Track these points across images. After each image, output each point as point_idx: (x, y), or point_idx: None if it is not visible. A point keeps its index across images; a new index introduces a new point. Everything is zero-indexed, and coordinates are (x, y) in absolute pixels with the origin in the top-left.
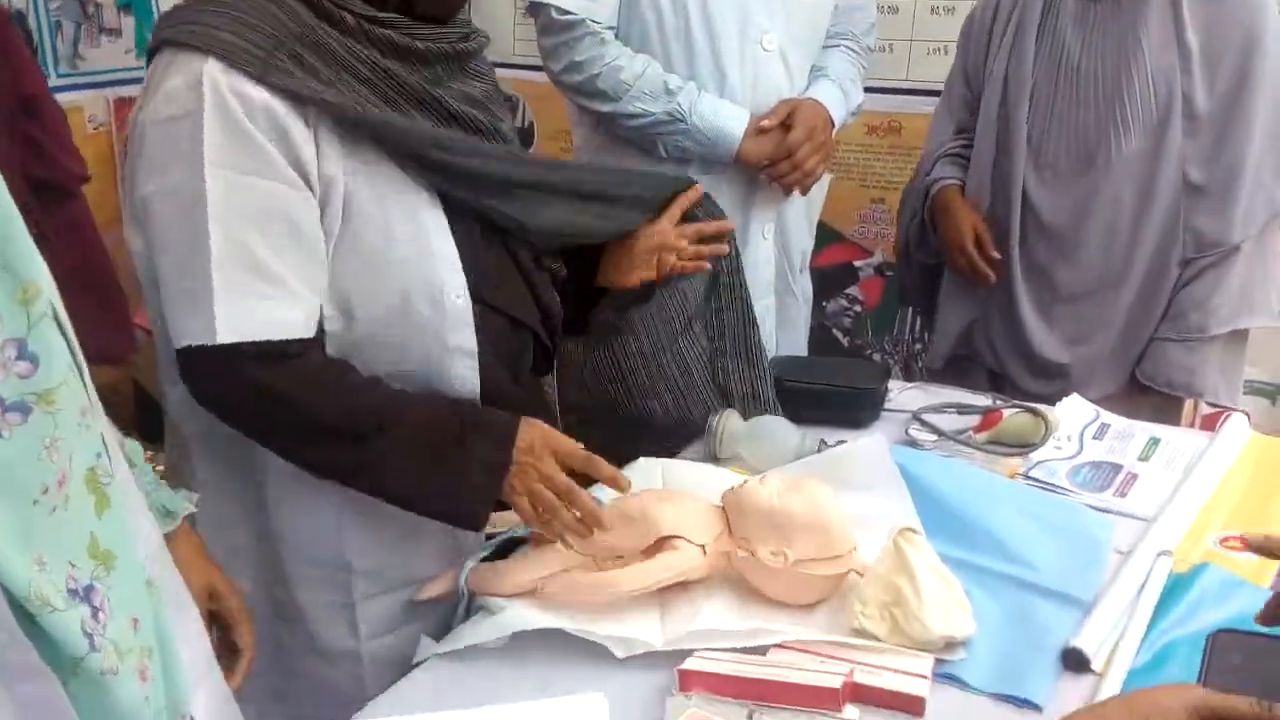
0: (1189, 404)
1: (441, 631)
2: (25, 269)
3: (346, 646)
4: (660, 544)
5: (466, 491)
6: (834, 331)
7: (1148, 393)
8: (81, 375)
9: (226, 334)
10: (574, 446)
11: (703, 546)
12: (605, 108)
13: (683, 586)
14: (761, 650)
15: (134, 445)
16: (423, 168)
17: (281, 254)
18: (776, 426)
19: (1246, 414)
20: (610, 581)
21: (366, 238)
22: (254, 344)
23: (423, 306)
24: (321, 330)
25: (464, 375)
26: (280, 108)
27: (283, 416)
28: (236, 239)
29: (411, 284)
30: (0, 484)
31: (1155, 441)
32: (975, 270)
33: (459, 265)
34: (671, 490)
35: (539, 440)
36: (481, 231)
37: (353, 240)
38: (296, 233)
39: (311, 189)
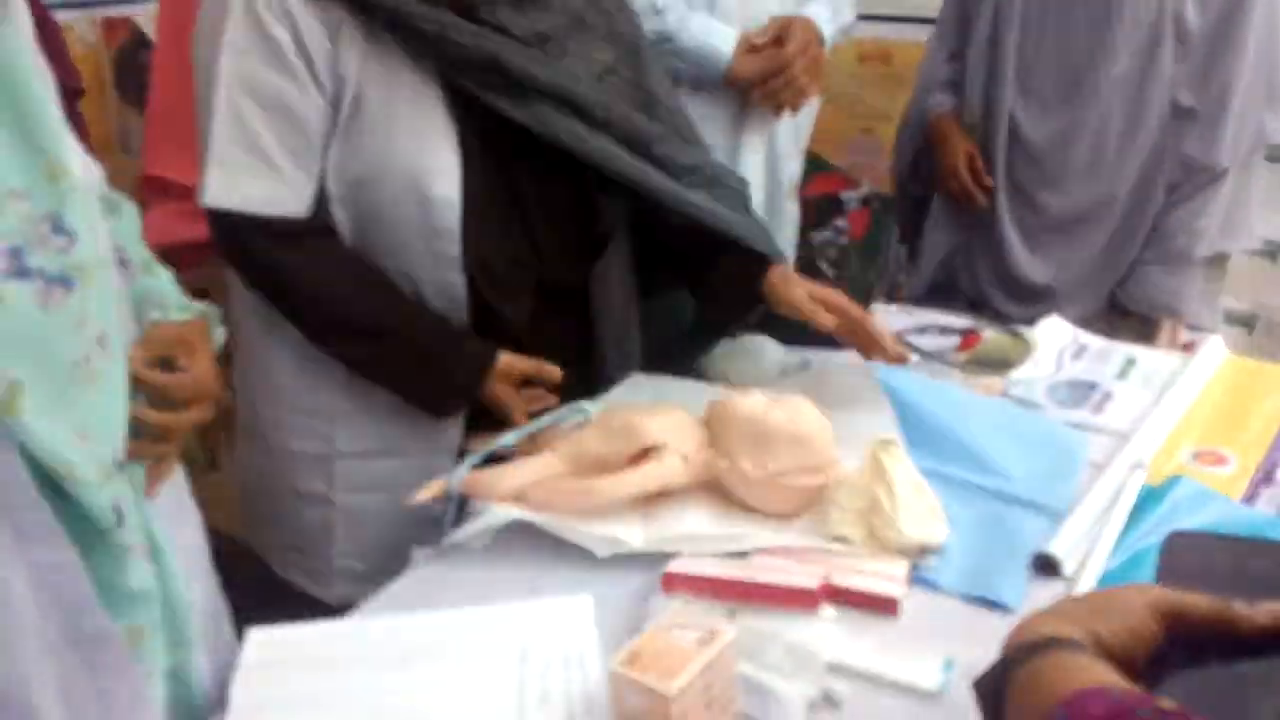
0: (1167, 330)
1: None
2: (54, 149)
3: (319, 490)
4: (644, 454)
5: (438, 402)
6: (820, 264)
7: (1127, 316)
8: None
9: (211, 198)
10: (527, 365)
11: (684, 456)
12: None
13: (665, 495)
14: (743, 554)
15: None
16: (435, 56)
17: (277, 137)
18: (761, 344)
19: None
20: (593, 488)
21: (370, 138)
22: (239, 214)
23: (413, 212)
24: (320, 218)
25: (453, 283)
26: (300, 5)
27: (272, 286)
28: (236, 115)
29: (405, 189)
30: (39, 356)
31: (1132, 361)
32: (968, 194)
33: (456, 178)
34: (657, 404)
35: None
36: (497, 158)
37: (357, 137)
38: (294, 122)
39: (321, 85)
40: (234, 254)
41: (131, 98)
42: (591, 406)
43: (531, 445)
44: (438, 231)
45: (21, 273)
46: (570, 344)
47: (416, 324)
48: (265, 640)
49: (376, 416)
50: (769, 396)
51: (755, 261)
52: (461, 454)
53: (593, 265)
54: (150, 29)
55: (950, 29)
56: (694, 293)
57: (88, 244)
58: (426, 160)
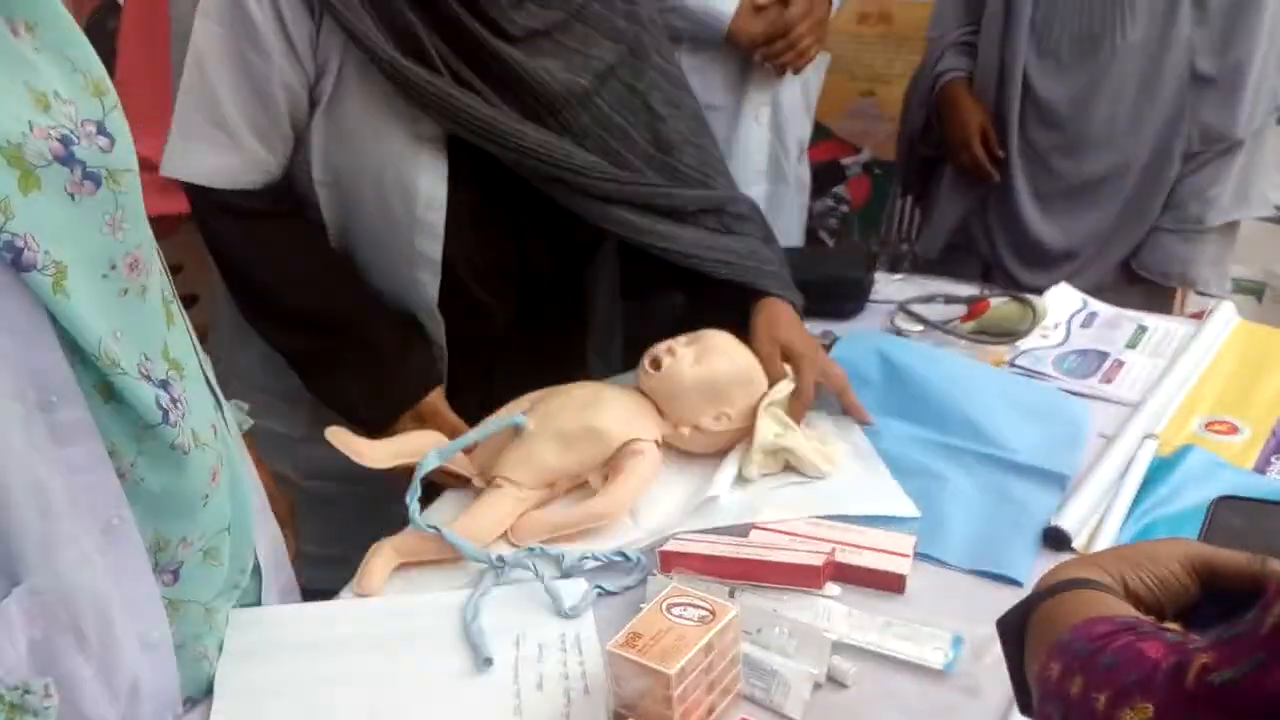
0: (1178, 297)
1: (378, 499)
2: (93, 71)
3: (284, 472)
4: (621, 451)
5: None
6: (820, 233)
7: (1138, 283)
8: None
9: (168, 169)
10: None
11: (656, 441)
12: None
13: None
14: (743, 531)
15: None
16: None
17: (242, 112)
18: None
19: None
20: (598, 513)
21: (355, 127)
22: (196, 186)
23: (396, 203)
24: (286, 200)
25: (426, 283)
26: None
27: (217, 258)
28: (203, 86)
29: (388, 181)
30: (72, 244)
31: (1143, 329)
32: (980, 168)
33: (444, 180)
34: (589, 394)
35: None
36: (484, 159)
37: (341, 123)
38: (263, 98)
39: (299, 65)
40: (197, 223)
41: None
42: (523, 417)
43: (469, 471)
44: (422, 226)
45: (68, 159)
46: (556, 346)
47: (364, 321)
48: (249, 621)
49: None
50: (683, 345)
51: (750, 292)
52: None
53: (579, 268)
54: None
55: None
56: (688, 297)
57: (123, 152)
58: (412, 155)
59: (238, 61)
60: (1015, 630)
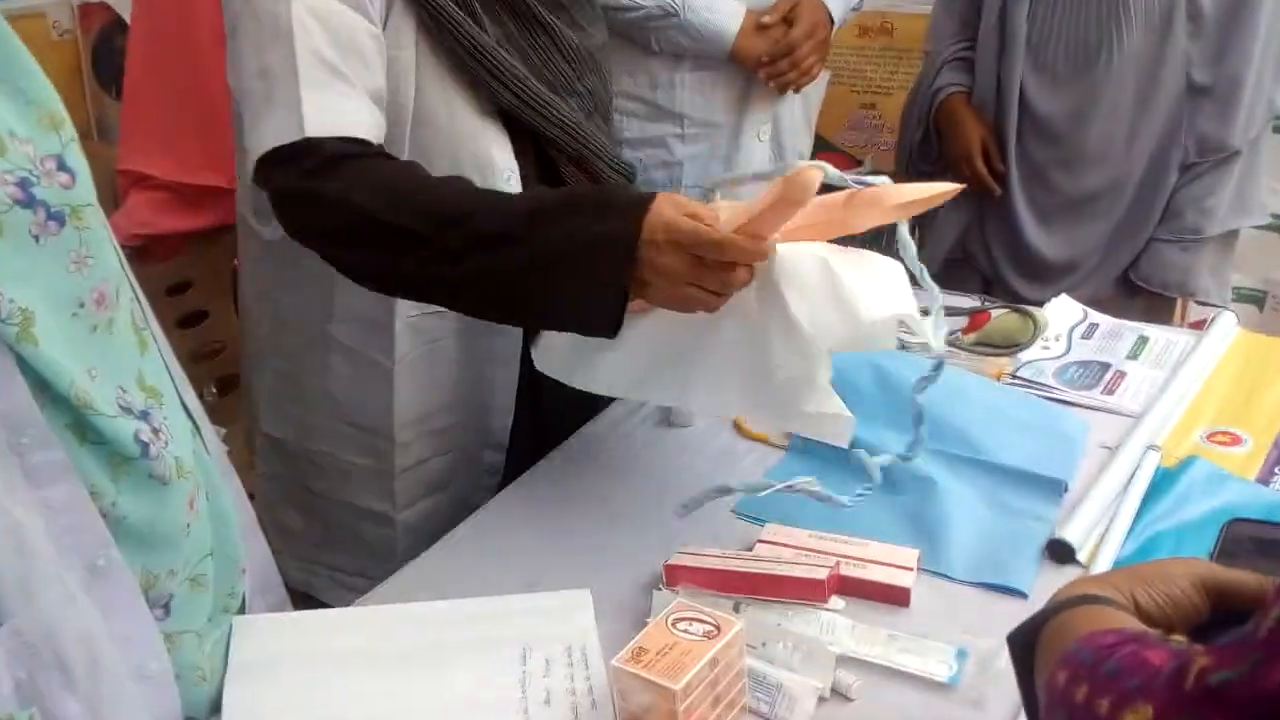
0: (1178, 307)
1: (465, 506)
2: (48, 102)
3: (382, 509)
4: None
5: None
6: None
7: (1138, 294)
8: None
9: (314, 127)
10: (696, 231)
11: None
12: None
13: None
14: (747, 546)
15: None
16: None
17: (353, 70)
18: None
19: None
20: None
21: (427, 104)
22: (339, 139)
23: (475, 179)
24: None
25: None
26: None
27: (365, 224)
28: (315, 48)
29: (465, 156)
30: (38, 288)
31: (1144, 340)
32: (981, 183)
33: (513, 154)
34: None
35: (661, 231)
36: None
37: (414, 103)
38: (365, 60)
39: (385, 33)
40: (308, 197)
41: (108, 84)
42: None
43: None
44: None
45: (29, 202)
46: None
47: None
48: (254, 631)
49: (429, 422)
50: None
51: None
52: (510, 446)
53: None
54: (128, 12)
55: (956, 14)
56: None
57: (83, 187)
58: (481, 128)
59: (335, 22)
60: (1025, 645)
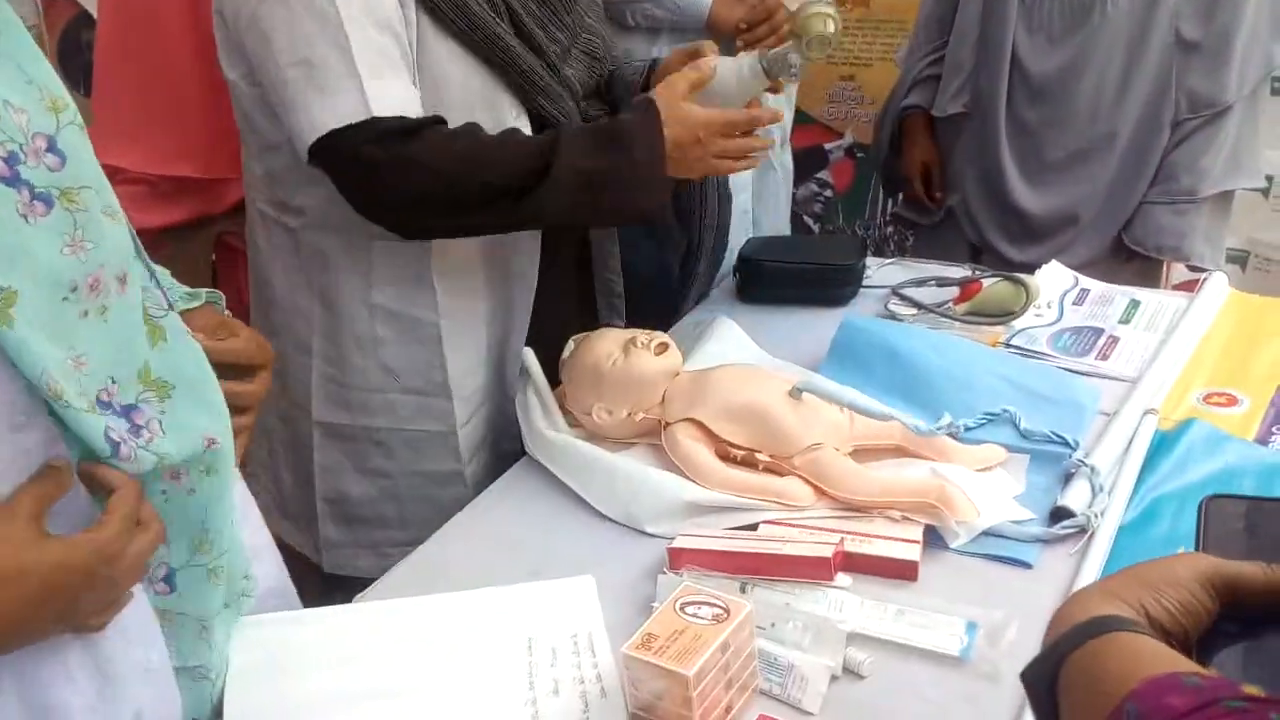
0: (1164, 269)
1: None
2: (50, 85)
3: (455, 468)
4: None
5: (643, 197)
6: (805, 218)
7: (1130, 258)
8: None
9: (381, 109)
10: (690, 78)
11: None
12: None
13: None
14: (751, 526)
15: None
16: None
17: (398, 50)
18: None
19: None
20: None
21: (441, 75)
22: (398, 118)
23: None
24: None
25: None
26: None
27: (430, 188)
28: (364, 33)
29: (483, 119)
30: (24, 268)
31: (1135, 304)
32: (920, 203)
33: (526, 118)
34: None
35: (671, 111)
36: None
37: (428, 75)
38: (398, 36)
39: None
40: (384, 169)
41: (76, 80)
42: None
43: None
44: None
45: (13, 180)
46: (572, 291)
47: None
48: (255, 632)
49: (474, 375)
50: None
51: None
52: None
53: None
54: (94, 6)
55: (933, 23)
56: None
57: (77, 169)
58: (493, 94)
59: (373, 7)
60: (1045, 683)
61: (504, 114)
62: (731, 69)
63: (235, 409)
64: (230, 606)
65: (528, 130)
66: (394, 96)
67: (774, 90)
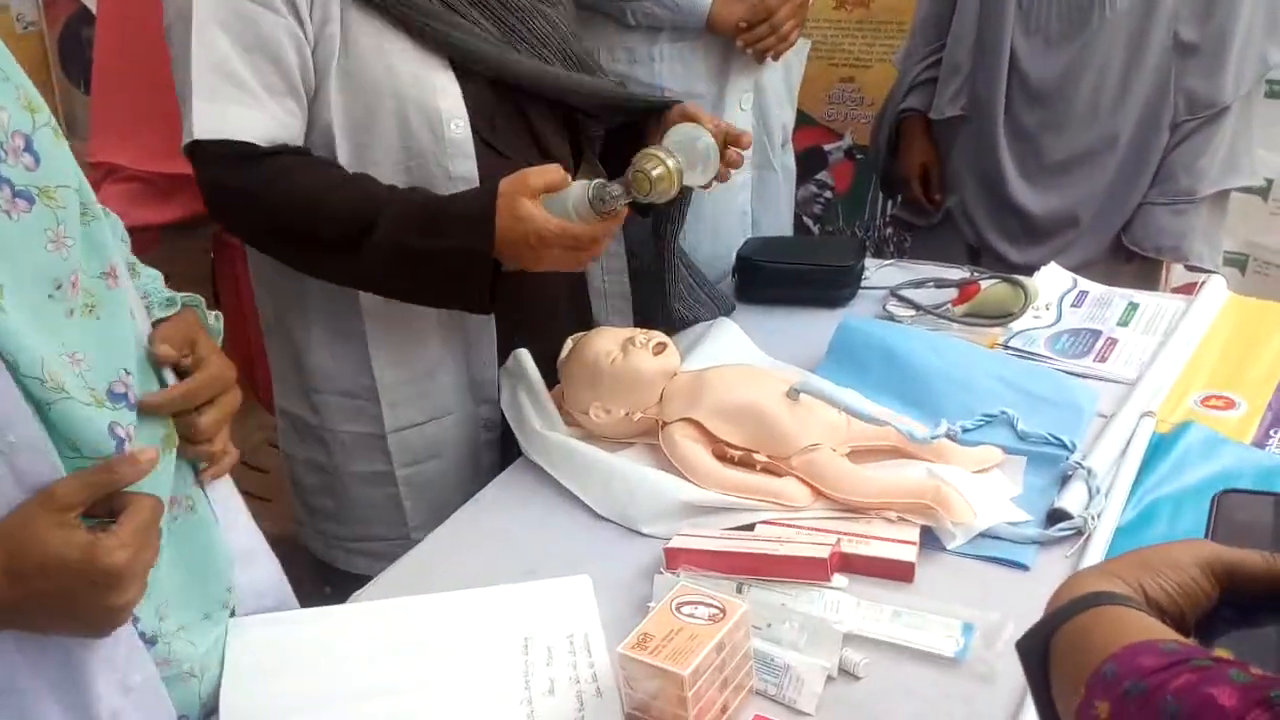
0: (1163, 272)
1: (469, 464)
2: (26, 86)
3: (382, 470)
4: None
5: (462, 285)
6: (804, 219)
7: (1129, 259)
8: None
9: (201, 131)
10: (545, 178)
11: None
12: None
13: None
14: (748, 526)
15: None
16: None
17: (257, 71)
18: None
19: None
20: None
21: (366, 69)
22: (224, 142)
23: (423, 134)
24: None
25: None
26: None
27: (262, 220)
28: (214, 49)
29: (410, 112)
30: (12, 263)
31: (1134, 306)
32: (919, 205)
33: (460, 99)
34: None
35: (510, 206)
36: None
37: (352, 71)
38: (274, 57)
39: (301, 21)
40: (220, 192)
41: (77, 78)
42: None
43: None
44: (453, 147)
45: None
46: (562, 281)
47: (410, 199)
48: (249, 632)
49: (416, 384)
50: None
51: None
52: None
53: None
54: (94, 3)
55: (930, 25)
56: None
57: (52, 169)
58: (426, 80)
59: (241, 20)
60: (1038, 654)
61: (433, 96)
62: (579, 191)
63: (197, 440)
64: (210, 618)
65: (460, 110)
66: (234, 119)
67: (606, 218)
